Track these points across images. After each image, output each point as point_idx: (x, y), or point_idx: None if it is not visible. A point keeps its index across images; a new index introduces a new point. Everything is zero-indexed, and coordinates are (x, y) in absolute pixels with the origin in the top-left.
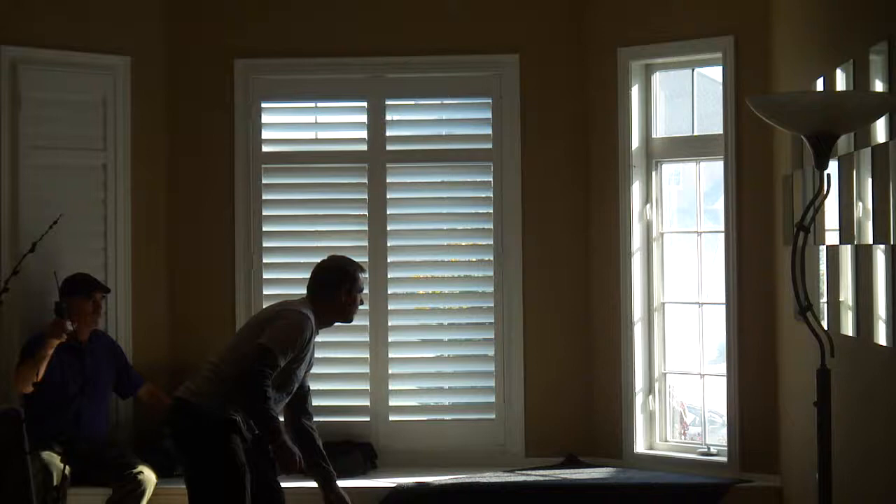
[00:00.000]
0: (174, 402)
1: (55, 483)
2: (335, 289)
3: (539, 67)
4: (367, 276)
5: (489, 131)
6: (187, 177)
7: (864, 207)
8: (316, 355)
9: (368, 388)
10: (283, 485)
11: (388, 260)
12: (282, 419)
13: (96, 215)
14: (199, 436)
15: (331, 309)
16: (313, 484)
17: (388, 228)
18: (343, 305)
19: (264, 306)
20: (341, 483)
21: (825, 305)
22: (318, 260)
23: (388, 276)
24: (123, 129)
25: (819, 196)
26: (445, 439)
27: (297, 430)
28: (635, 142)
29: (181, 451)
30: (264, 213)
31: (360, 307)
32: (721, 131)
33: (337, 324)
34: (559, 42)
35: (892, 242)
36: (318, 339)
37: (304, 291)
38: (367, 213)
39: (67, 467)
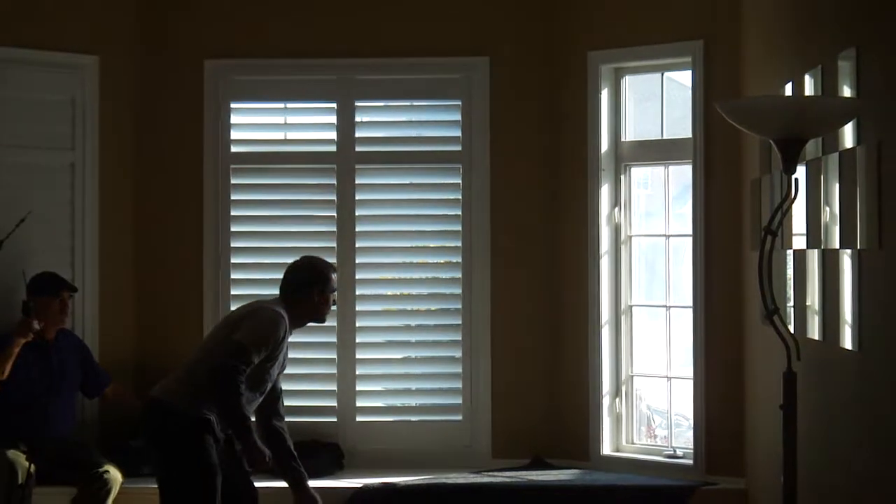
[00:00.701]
0: (148, 401)
1: (20, 482)
2: (308, 289)
3: (508, 70)
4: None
5: (458, 133)
6: (156, 176)
7: (830, 212)
8: None
9: (335, 388)
10: (255, 485)
11: (357, 261)
12: (253, 419)
13: (64, 214)
14: (172, 435)
15: (304, 309)
16: (284, 484)
17: (357, 230)
18: (316, 305)
19: (232, 306)
20: (309, 482)
21: (791, 309)
22: (287, 261)
23: (357, 277)
24: (92, 128)
25: (787, 200)
26: (412, 440)
27: (268, 430)
28: (604, 145)
29: (154, 450)
30: (233, 213)
31: (332, 307)
32: (690, 135)
33: (308, 324)
34: (529, 45)
35: (858, 247)
36: None
37: (272, 292)
38: (335, 215)
39: (33, 466)
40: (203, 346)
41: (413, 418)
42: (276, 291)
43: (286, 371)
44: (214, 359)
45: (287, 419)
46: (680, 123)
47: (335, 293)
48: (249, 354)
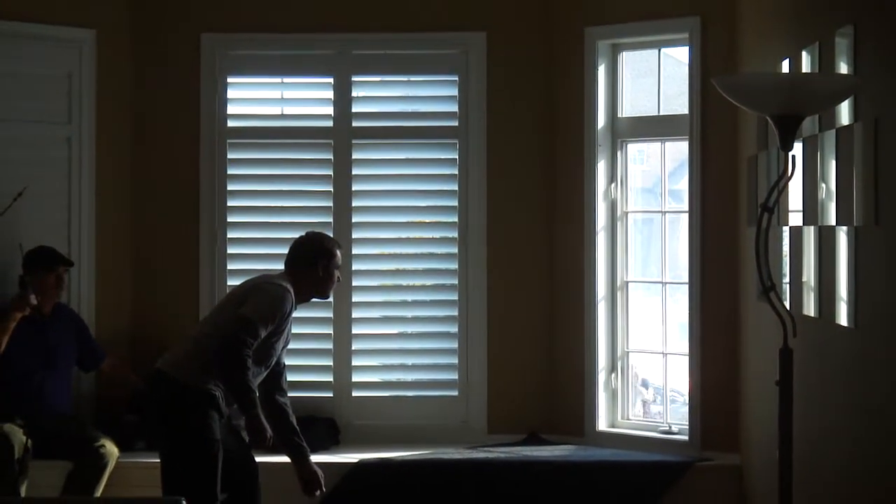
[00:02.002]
0: (153, 373)
1: (16, 456)
2: (313, 264)
3: (506, 46)
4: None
5: (455, 109)
6: (153, 151)
7: (827, 189)
8: None
9: (332, 363)
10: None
11: (353, 236)
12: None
13: (61, 189)
14: (177, 408)
15: (309, 284)
16: (285, 459)
17: (353, 205)
18: (321, 281)
19: (229, 281)
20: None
21: (788, 286)
22: (284, 235)
23: (353, 252)
24: (88, 102)
25: (783, 177)
26: (408, 416)
27: (271, 405)
28: (601, 121)
29: (158, 422)
30: (229, 187)
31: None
32: (686, 112)
33: (313, 300)
34: (526, 21)
35: (854, 224)
36: None
37: (269, 266)
38: (332, 189)
39: (29, 440)
40: (209, 319)
41: (409, 394)
42: (273, 266)
43: None
44: (219, 332)
45: None
46: (677, 100)
47: (339, 269)
48: (256, 328)
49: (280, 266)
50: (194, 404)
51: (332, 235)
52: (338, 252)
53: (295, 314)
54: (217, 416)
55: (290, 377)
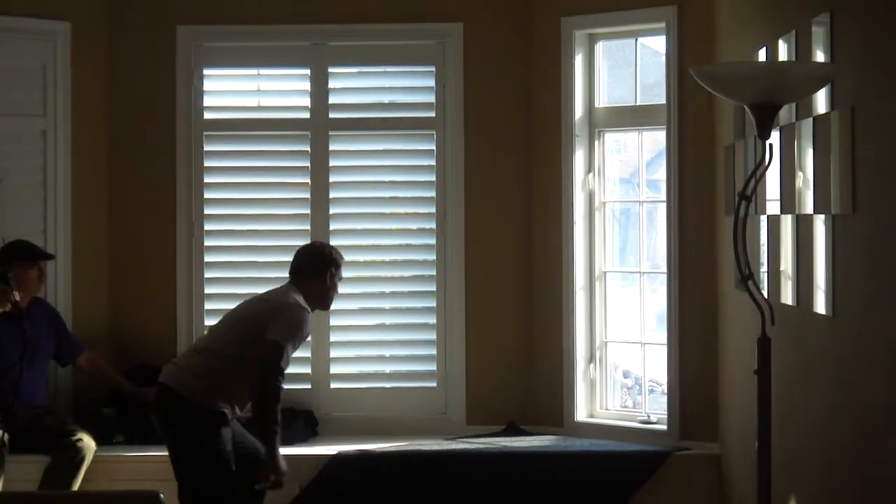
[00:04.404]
0: (162, 389)
1: None
2: (320, 274)
3: (482, 36)
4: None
5: (432, 99)
6: (129, 143)
7: (804, 177)
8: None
9: (309, 355)
10: None
11: (330, 228)
12: None
13: (36, 182)
14: (188, 426)
15: (314, 294)
16: None
17: (331, 196)
18: (325, 291)
19: (206, 273)
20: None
21: (765, 275)
22: (261, 228)
23: (330, 244)
24: (64, 95)
25: (761, 166)
26: (386, 407)
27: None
28: (578, 111)
29: (169, 438)
30: (206, 179)
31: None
32: (663, 101)
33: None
34: (503, 11)
35: (832, 212)
36: None
37: (245, 259)
38: (309, 181)
39: (6, 435)
40: (216, 337)
41: (387, 385)
42: (248, 258)
43: None
44: (237, 356)
45: None
46: (653, 90)
47: (341, 280)
48: (288, 355)
49: (254, 258)
50: (207, 424)
51: (308, 227)
52: (341, 263)
53: None
54: (229, 432)
55: None
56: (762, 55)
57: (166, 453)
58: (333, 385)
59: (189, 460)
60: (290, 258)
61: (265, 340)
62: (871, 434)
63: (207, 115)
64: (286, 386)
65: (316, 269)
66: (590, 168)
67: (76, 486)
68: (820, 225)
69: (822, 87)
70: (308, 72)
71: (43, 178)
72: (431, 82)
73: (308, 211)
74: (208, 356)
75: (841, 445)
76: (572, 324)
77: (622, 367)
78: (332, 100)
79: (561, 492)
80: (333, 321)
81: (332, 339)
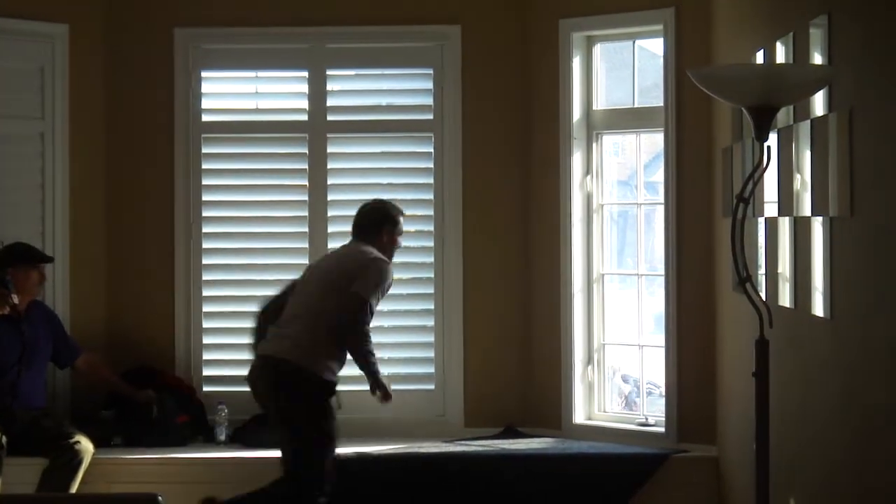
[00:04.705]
0: (268, 361)
1: None
2: (378, 231)
3: (480, 38)
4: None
5: (430, 102)
6: (127, 145)
7: (802, 180)
8: (253, 324)
9: None
10: None
11: (329, 230)
12: None
13: (34, 184)
14: (299, 395)
15: (377, 250)
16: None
17: (329, 198)
18: (384, 247)
19: (204, 276)
20: (277, 453)
21: (763, 277)
22: (259, 230)
23: (329, 246)
24: (62, 97)
25: (758, 168)
26: (385, 410)
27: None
28: (576, 113)
29: (278, 408)
30: (204, 182)
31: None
32: (661, 104)
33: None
34: (501, 13)
35: (829, 215)
36: (256, 308)
37: (244, 261)
38: (307, 184)
39: (4, 437)
40: (313, 303)
41: None
42: (246, 261)
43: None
44: (331, 315)
45: None
46: (651, 92)
47: (401, 235)
48: (372, 306)
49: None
50: (317, 393)
51: (306, 230)
52: (400, 219)
53: None
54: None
55: None
56: (760, 57)
57: (164, 455)
58: None
59: (295, 423)
60: (288, 260)
61: (350, 294)
62: (870, 436)
63: (205, 118)
64: None
65: (373, 228)
66: (588, 170)
67: (74, 489)
68: (818, 227)
69: (819, 90)
70: (306, 74)
71: (41, 180)
72: (429, 85)
73: (306, 213)
74: (310, 324)
75: (839, 447)
76: (570, 326)
77: (622, 372)
78: (330, 102)
79: (559, 494)
80: None
81: None
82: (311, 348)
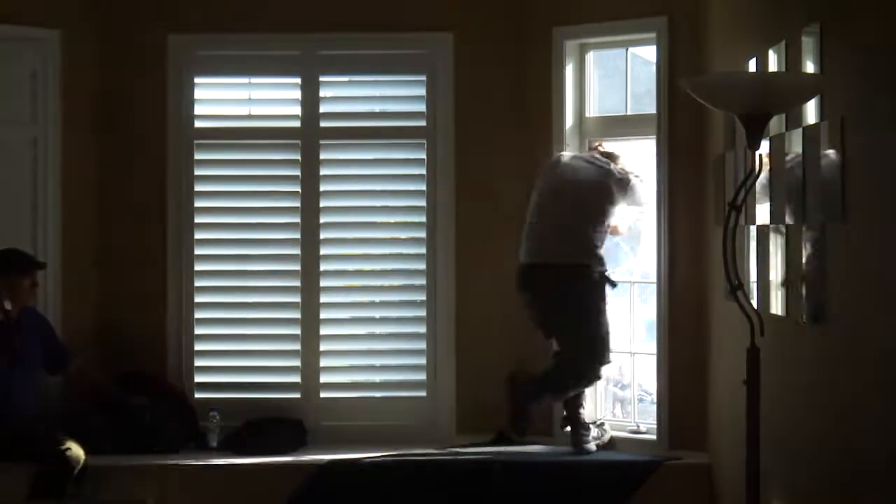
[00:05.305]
0: (541, 269)
1: None
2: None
3: (473, 45)
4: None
5: (423, 108)
6: (119, 151)
7: (794, 188)
8: (246, 332)
9: (299, 364)
10: None
11: (321, 237)
12: None
13: (26, 189)
14: (576, 290)
15: None
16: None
17: (321, 205)
18: None
19: (196, 282)
20: (272, 459)
21: (755, 285)
22: (251, 236)
23: (321, 252)
24: (54, 103)
25: (751, 176)
26: (376, 416)
27: None
28: (569, 120)
29: (552, 310)
30: (196, 188)
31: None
32: (654, 111)
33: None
34: (494, 20)
35: (821, 222)
36: (248, 315)
37: (236, 267)
38: (299, 190)
39: None
40: (562, 210)
41: (377, 394)
42: (239, 267)
43: (247, 347)
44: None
45: (250, 395)
46: (644, 99)
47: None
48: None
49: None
50: (594, 283)
51: (298, 236)
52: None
53: (261, 315)
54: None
55: (257, 378)
56: (752, 66)
57: (155, 461)
58: (323, 394)
59: (579, 325)
60: (280, 266)
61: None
62: (861, 443)
63: (198, 124)
64: (276, 395)
65: None
66: None
67: (65, 496)
68: (809, 235)
69: (811, 98)
70: (299, 81)
71: (33, 186)
72: (422, 91)
73: (298, 220)
74: (566, 225)
75: (830, 455)
76: None
77: (616, 380)
78: (322, 109)
79: (551, 502)
80: (324, 330)
81: (321, 347)
82: (574, 249)
